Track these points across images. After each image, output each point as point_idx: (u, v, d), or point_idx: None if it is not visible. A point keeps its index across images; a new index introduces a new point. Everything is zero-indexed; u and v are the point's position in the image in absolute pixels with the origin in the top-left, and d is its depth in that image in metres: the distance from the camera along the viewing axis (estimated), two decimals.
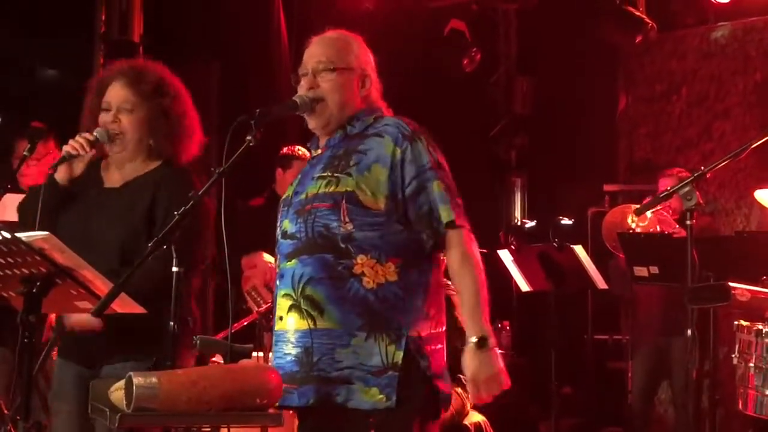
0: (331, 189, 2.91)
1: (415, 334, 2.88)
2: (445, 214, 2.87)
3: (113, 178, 3.47)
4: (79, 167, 3.41)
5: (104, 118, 3.41)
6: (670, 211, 5.81)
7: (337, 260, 2.87)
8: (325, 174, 2.96)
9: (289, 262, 2.95)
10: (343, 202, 2.88)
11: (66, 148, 3.35)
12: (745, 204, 7.25)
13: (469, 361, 2.80)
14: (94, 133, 3.34)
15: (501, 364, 2.83)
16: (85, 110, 3.56)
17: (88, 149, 3.34)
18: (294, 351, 2.89)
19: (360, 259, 2.87)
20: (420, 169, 2.89)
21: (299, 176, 3.11)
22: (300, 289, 2.89)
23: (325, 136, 3.08)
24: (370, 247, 2.88)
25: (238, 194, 5.52)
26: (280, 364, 2.93)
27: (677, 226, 5.85)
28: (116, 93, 3.42)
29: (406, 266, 2.89)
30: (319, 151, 3.08)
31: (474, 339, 2.80)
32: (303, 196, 2.98)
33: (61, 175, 3.38)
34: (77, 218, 3.35)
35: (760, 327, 3.02)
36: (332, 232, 2.88)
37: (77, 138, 3.34)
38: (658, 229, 5.69)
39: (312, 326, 2.87)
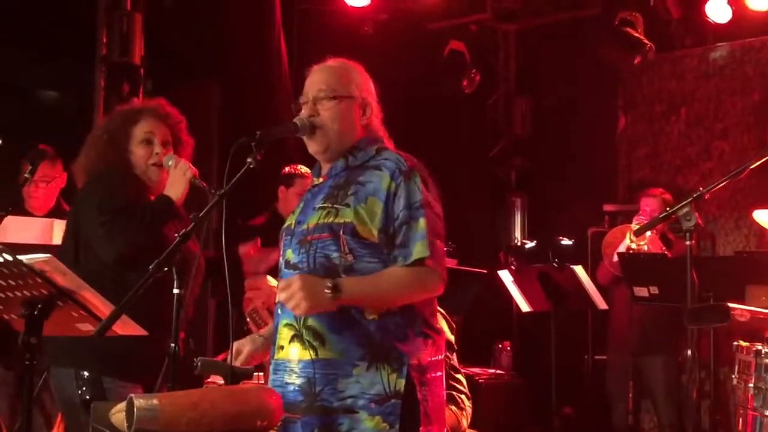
0: (330, 220, 2.93)
1: (416, 362, 2.89)
2: (419, 250, 2.86)
3: None
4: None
5: (147, 150, 3.64)
6: (655, 232, 5.84)
7: None
8: (326, 204, 2.97)
9: None
10: (342, 233, 2.90)
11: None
12: (744, 224, 7.26)
13: (310, 278, 2.79)
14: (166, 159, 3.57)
15: (314, 305, 2.76)
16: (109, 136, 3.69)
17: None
18: (298, 381, 2.90)
19: None
20: (410, 205, 2.90)
21: (301, 204, 3.11)
22: (302, 320, 2.90)
23: (326, 163, 3.09)
24: None
25: (239, 213, 5.53)
26: (282, 392, 2.92)
27: (663, 247, 5.88)
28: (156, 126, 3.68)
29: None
30: (320, 180, 3.09)
31: (336, 282, 2.77)
32: (305, 227, 2.99)
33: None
34: None
35: (759, 347, 3.02)
36: (333, 262, 2.89)
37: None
38: (648, 248, 5.71)
39: (314, 356, 2.88)
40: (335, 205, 2.94)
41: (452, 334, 4.88)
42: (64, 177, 5.08)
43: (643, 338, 6.23)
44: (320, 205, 2.98)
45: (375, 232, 2.89)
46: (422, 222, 2.89)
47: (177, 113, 3.74)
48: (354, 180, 2.97)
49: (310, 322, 2.88)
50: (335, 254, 2.89)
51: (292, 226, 3.06)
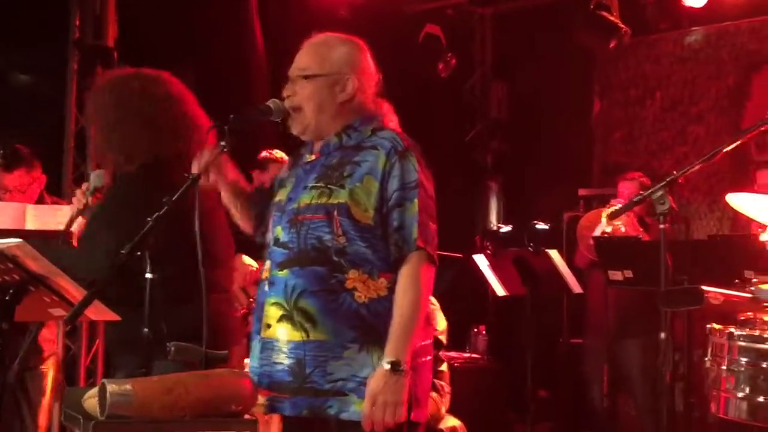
0: (324, 200, 2.90)
1: None
2: (413, 235, 2.86)
3: None
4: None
5: None
6: (633, 215, 5.87)
7: (330, 273, 2.86)
8: (319, 184, 2.94)
9: (281, 272, 2.94)
10: (336, 214, 2.88)
11: (75, 205, 3.41)
12: (717, 208, 7.31)
13: (376, 378, 2.77)
14: (95, 179, 3.40)
15: (405, 396, 2.77)
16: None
17: (91, 198, 3.37)
18: (287, 361, 2.89)
19: (352, 273, 2.86)
20: (404, 184, 2.88)
21: (293, 179, 3.08)
22: (293, 301, 2.89)
23: (317, 142, 3.07)
24: (362, 262, 2.88)
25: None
26: (268, 372, 2.92)
27: (641, 229, 5.91)
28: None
29: (396, 282, 2.90)
30: (312, 157, 3.06)
31: (390, 359, 2.76)
32: (296, 205, 2.96)
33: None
34: None
35: (732, 330, 3.04)
36: (325, 244, 2.87)
37: (78, 192, 3.42)
38: (623, 231, 5.74)
39: (305, 338, 2.87)
40: (329, 186, 2.91)
41: (444, 332, 4.92)
42: (42, 179, 5.01)
43: (618, 322, 6.26)
44: (313, 185, 2.95)
45: (371, 212, 2.87)
46: (416, 204, 2.87)
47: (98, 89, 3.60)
48: (349, 160, 2.93)
49: (302, 303, 2.87)
50: (327, 236, 2.87)
51: (283, 202, 3.03)
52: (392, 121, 3.09)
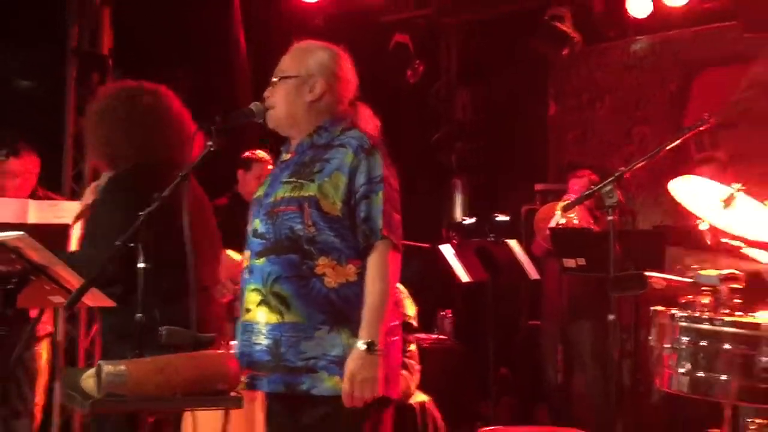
0: (296, 194, 2.92)
1: None
2: (379, 225, 2.87)
3: None
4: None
5: None
6: (584, 208, 5.91)
7: (302, 260, 2.88)
8: (291, 179, 2.96)
9: (258, 260, 2.95)
10: (306, 206, 2.89)
11: (83, 202, 3.43)
12: (662, 201, 7.34)
13: (353, 359, 2.78)
14: (102, 179, 3.41)
15: (381, 373, 2.79)
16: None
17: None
18: (265, 342, 2.89)
19: (321, 260, 2.87)
20: (370, 179, 2.90)
21: (269, 178, 3.11)
22: (269, 286, 2.90)
23: (293, 139, 3.08)
24: (331, 250, 2.88)
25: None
26: (249, 352, 2.93)
27: (592, 221, 5.95)
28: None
29: (365, 268, 2.90)
30: (287, 156, 3.08)
31: (365, 341, 2.78)
32: (272, 199, 2.98)
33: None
34: None
35: (674, 312, 3.06)
36: (297, 234, 2.88)
37: (88, 191, 3.46)
38: (576, 223, 5.78)
39: (280, 320, 2.88)
40: (300, 180, 2.93)
41: (414, 315, 4.92)
42: (35, 168, 4.99)
43: (572, 306, 6.30)
44: (286, 180, 2.97)
45: (339, 205, 2.88)
46: (381, 196, 2.89)
47: (102, 99, 3.55)
48: (320, 158, 2.95)
49: (277, 288, 2.88)
50: (299, 226, 2.88)
51: (261, 198, 3.05)
52: (370, 124, 3.10)
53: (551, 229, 5.77)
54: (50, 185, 5.22)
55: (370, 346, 2.77)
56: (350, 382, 2.77)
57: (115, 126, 3.42)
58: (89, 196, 3.42)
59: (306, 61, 3.05)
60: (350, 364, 2.78)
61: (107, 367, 2.53)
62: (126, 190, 3.29)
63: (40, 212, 4.37)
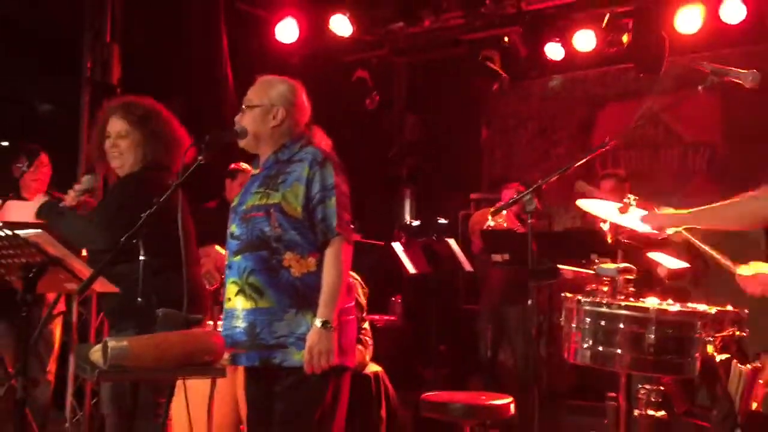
0: (264, 201, 2.93)
1: None
2: (333, 224, 2.89)
3: None
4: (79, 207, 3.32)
5: (106, 145, 3.35)
6: (513, 214, 5.94)
7: (271, 256, 2.87)
8: (260, 190, 2.97)
9: (235, 257, 2.95)
10: (272, 211, 2.89)
11: (67, 203, 3.28)
12: (572, 208, 7.40)
13: (313, 334, 2.79)
14: (85, 182, 3.29)
15: (335, 345, 2.80)
16: (92, 140, 3.49)
17: (81, 198, 3.28)
18: (243, 324, 2.89)
19: (287, 255, 2.87)
20: (324, 187, 2.92)
21: (243, 190, 3.10)
22: (245, 278, 2.89)
23: (261, 156, 3.08)
24: (295, 246, 2.89)
25: (195, 199, 5.46)
26: (230, 334, 2.92)
27: (518, 224, 5.98)
28: (113, 123, 3.35)
29: (324, 259, 2.89)
30: (257, 171, 3.08)
31: (321, 320, 2.79)
32: (245, 207, 2.99)
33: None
34: None
35: (580, 297, 3.08)
36: (266, 234, 2.89)
37: (71, 192, 3.29)
38: (505, 225, 5.81)
39: (255, 306, 2.87)
40: (267, 190, 2.94)
41: (365, 298, 4.90)
42: (48, 168, 4.96)
43: (501, 293, 6.31)
44: (256, 191, 2.98)
45: (299, 209, 2.89)
46: (333, 200, 2.90)
47: (143, 107, 3.41)
48: (283, 171, 2.96)
49: (251, 279, 2.88)
50: (267, 228, 2.88)
51: (236, 206, 3.04)
52: (324, 141, 3.11)
53: (482, 231, 5.79)
54: (65, 191, 5.15)
55: (325, 324, 2.79)
56: (309, 353, 2.78)
57: (153, 137, 3.36)
58: (73, 197, 3.30)
59: (269, 92, 3.05)
60: (309, 339, 2.79)
61: (112, 343, 2.50)
62: (137, 188, 3.22)
63: None
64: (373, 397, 4.69)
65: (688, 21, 6.17)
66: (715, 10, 6.08)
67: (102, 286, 2.75)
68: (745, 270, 2.87)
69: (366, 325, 4.90)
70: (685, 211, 2.73)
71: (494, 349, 6.46)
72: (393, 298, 7.41)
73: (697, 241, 3.02)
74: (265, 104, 3.02)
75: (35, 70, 6.64)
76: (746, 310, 2.98)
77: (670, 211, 2.84)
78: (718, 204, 2.58)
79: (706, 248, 3.01)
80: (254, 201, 2.95)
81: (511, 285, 6.13)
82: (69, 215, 3.22)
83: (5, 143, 5.46)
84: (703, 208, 2.66)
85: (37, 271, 2.65)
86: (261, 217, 2.90)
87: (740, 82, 2.78)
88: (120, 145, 3.33)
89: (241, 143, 3.05)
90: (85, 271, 2.69)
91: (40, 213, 3.23)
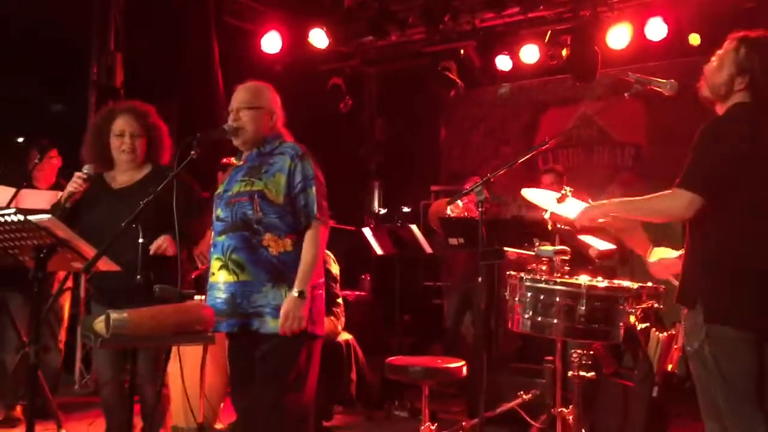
0: (248, 188, 2.91)
1: None
2: (314, 210, 2.89)
3: (119, 181, 3.34)
4: (79, 191, 3.25)
5: (117, 142, 3.29)
6: (472, 204, 5.92)
7: (252, 236, 2.86)
8: (245, 178, 2.95)
9: (219, 237, 2.93)
10: (255, 197, 2.87)
11: (69, 189, 3.21)
12: (518, 198, 7.44)
13: (287, 302, 2.79)
14: (85, 171, 3.23)
15: (306, 313, 2.80)
16: (93, 130, 3.41)
17: (84, 184, 3.20)
18: (224, 296, 2.87)
19: (267, 235, 2.86)
20: (305, 177, 2.91)
21: (228, 178, 3.08)
22: (228, 255, 2.87)
23: (245, 151, 3.05)
24: (274, 228, 2.88)
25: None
26: (213, 304, 2.90)
27: (477, 212, 5.97)
28: (128, 124, 3.30)
29: (298, 241, 2.90)
30: (241, 162, 3.06)
31: (297, 290, 2.80)
32: (230, 193, 2.96)
33: (64, 200, 3.25)
34: (100, 212, 3.20)
35: (522, 275, 3.10)
36: (248, 217, 2.87)
37: (75, 179, 3.22)
38: (466, 215, 5.81)
39: (236, 279, 2.85)
40: (251, 179, 2.92)
41: (337, 267, 4.89)
42: (57, 161, 4.87)
43: (464, 272, 6.28)
44: (241, 179, 2.96)
45: (280, 197, 2.88)
46: (314, 189, 2.90)
47: (148, 112, 3.40)
48: (266, 162, 2.95)
49: (234, 256, 2.86)
50: (250, 211, 2.87)
51: (221, 193, 3.01)
52: (290, 137, 3.10)
53: (440, 218, 5.79)
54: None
55: (301, 294, 2.80)
56: (285, 317, 2.79)
57: (154, 135, 3.36)
58: (77, 181, 3.24)
59: (262, 95, 3.04)
60: (285, 306, 2.80)
61: (113, 315, 2.48)
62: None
63: None
64: (344, 361, 4.70)
65: (617, 38, 6.24)
66: (641, 28, 6.16)
67: (105, 264, 2.72)
68: (652, 258, 2.91)
69: (339, 300, 4.89)
70: (610, 202, 2.76)
71: (456, 320, 6.46)
72: (363, 276, 7.41)
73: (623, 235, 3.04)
74: (265, 106, 3.00)
75: (48, 75, 6.54)
76: (663, 287, 3.02)
77: (598, 202, 2.86)
78: (638, 198, 2.62)
79: (628, 240, 3.04)
80: (239, 188, 2.93)
81: (473, 265, 6.13)
82: None
83: (21, 139, 5.36)
84: (625, 199, 2.69)
85: (47, 252, 2.62)
86: (245, 202, 2.89)
87: (661, 90, 2.81)
88: (134, 143, 3.31)
89: (237, 142, 3.01)
90: (89, 251, 2.66)
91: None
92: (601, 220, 2.77)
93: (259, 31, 7.17)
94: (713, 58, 2.62)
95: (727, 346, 2.41)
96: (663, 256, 2.82)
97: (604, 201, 2.78)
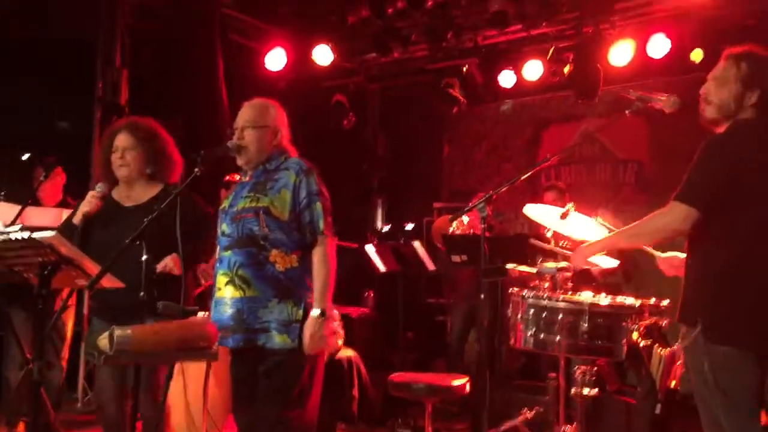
0: (253, 204, 2.92)
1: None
2: (320, 226, 2.89)
3: (132, 198, 3.34)
4: (93, 210, 3.27)
5: (113, 157, 3.30)
6: (477, 221, 5.91)
7: (259, 252, 2.87)
8: (250, 194, 2.96)
9: (225, 252, 2.94)
10: (261, 213, 2.88)
11: (84, 209, 3.23)
12: (520, 215, 7.45)
13: (311, 323, 2.80)
14: (98, 189, 3.25)
15: (329, 331, 2.83)
16: (100, 149, 3.45)
17: (98, 203, 3.23)
18: (230, 311, 2.88)
19: (274, 251, 2.87)
20: (310, 193, 2.92)
21: (233, 194, 3.09)
22: (234, 271, 2.87)
23: (250, 169, 3.06)
24: (280, 244, 2.88)
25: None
26: (219, 319, 2.90)
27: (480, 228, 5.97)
28: (121, 139, 3.31)
29: (304, 256, 2.90)
30: (246, 179, 3.07)
31: (318, 311, 2.81)
32: (235, 209, 2.97)
33: (78, 220, 3.25)
34: (111, 230, 3.21)
35: (525, 293, 3.11)
36: (255, 233, 2.88)
37: (89, 198, 3.24)
38: (472, 231, 5.81)
39: (243, 295, 2.86)
40: (257, 195, 2.93)
41: None
42: (62, 178, 4.90)
43: (469, 288, 6.27)
44: (246, 195, 2.97)
45: (286, 213, 2.89)
46: (319, 204, 2.91)
47: (145, 125, 3.38)
48: (271, 179, 2.95)
49: (240, 272, 2.87)
50: (256, 227, 2.88)
51: (226, 208, 3.02)
52: (295, 154, 3.11)
53: (443, 235, 5.80)
54: (77, 198, 5.09)
55: (323, 313, 2.81)
56: (311, 338, 2.79)
57: (152, 149, 3.33)
58: (90, 200, 3.25)
59: (267, 113, 3.06)
60: (309, 327, 2.80)
61: (117, 331, 2.48)
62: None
63: None
64: (346, 378, 4.69)
65: (620, 55, 6.27)
66: (643, 45, 6.19)
67: (109, 281, 2.73)
68: (662, 255, 2.92)
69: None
70: (604, 237, 2.78)
71: (460, 337, 6.45)
72: (366, 293, 7.41)
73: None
74: (270, 125, 3.02)
75: (54, 91, 6.58)
76: (666, 302, 3.02)
77: (588, 242, 2.87)
78: (632, 225, 2.63)
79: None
80: (245, 204, 2.94)
81: (476, 282, 6.12)
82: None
83: (26, 156, 5.39)
84: (620, 230, 2.70)
85: (52, 269, 2.62)
86: (250, 218, 2.90)
87: (662, 107, 2.83)
88: (126, 156, 3.30)
89: (241, 161, 3.02)
90: (93, 269, 2.66)
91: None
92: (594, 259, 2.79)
93: (263, 49, 7.22)
94: (709, 79, 2.63)
95: (726, 362, 2.41)
96: (674, 254, 2.83)
97: (597, 239, 2.80)
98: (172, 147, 3.43)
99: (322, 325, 2.80)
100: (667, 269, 2.85)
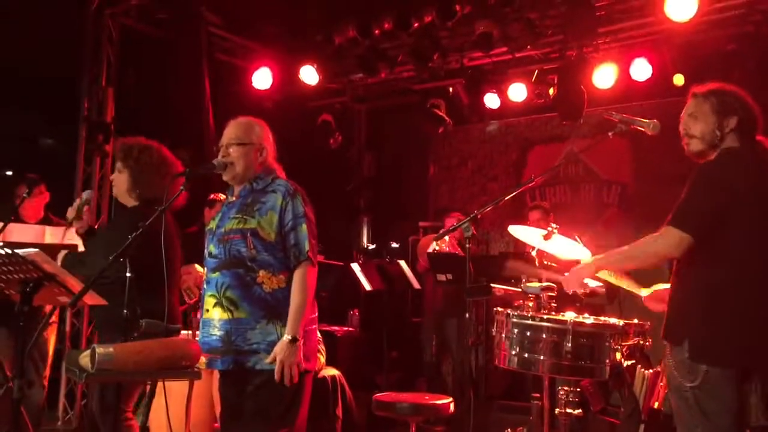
0: (241, 226, 2.90)
1: None
2: (305, 248, 2.89)
3: None
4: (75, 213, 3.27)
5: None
6: (456, 241, 5.95)
7: (246, 273, 2.85)
8: (238, 215, 2.94)
9: (213, 274, 2.92)
10: (249, 235, 2.87)
11: (69, 215, 3.27)
12: (505, 235, 7.49)
13: (281, 348, 2.78)
14: (83, 195, 3.26)
15: (300, 356, 2.80)
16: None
17: (83, 209, 3.24)
18: (219, 333, 2.86)
19: (261, 273, 2.86)
20: (295, 215, 2.91)
21: (220, 214, 3.07)
22: (222, 293, 2.86)
23: (237, 187, 3.05)
24: (267, 265, 2.87)
25: (179, 225, 5.38)
26: (207, 341, 2.88)
27: (458, 248, 6.01)
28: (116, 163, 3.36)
29: (291, 278, 2.89)
30: (233, 198, 3.06)
31: (289, 336, 2.79)
32: (223, 230, 2.95)
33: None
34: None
35: (509, 312, 3.10)
36: (242, 255, 2.87)
37: (72, 208, 3.27)
38: (447, 249, 5.82)
39: (231, 317, 2.84)
40: (244, 216, 2.92)
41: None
42: (45, 196, 4.87)
43: (444, 307, 6.32)
44: (234, 216, 2.95)
45: (273, 235, 2.88)
46: (304, 227, 2.90)
47: (127, 146, 3.37)
48: (258, 200, 2.94)
49: (228, 293, 2.85)
50: (243, 249, 2.86)
51: (214, 229, 3.00)
52: (282, 173, 3.10)
53: (428, 254, 5.81)
54: (62, 215, 5.06)
55: (293, 339, 2.78)
56: (280, 364, 2.77)
57: (150, 172, 3.30)
58: (74, 208, 3.27)
59: (253, 131, 3.05)
60: (279, 353, 2.77)
61: (99, 349, 2.46)
62: (131, 222, 3.16)
63: (53, 235, 4.25)
64: (330, 397, 4.65)
65: (603, 78, 6.35)
66: (626, 68, 6.27)
67: (92, 299, 2.70)
68: (645, 292, 2.93)
69: (318, 333, 4.86)
70: (596, 258, 2.79)
71: (438, 356, 6.46)
72: (351, 312, 7.38)
73: (609, 279, 3.09)
74: (254, 142, 3.01)
75: (38, 109, 6.55)
76: (649, 323, 3.04)
77: (584, 262, 2.88)
78: (626, 247, 2.64)
79: (617, 282, 3.08)
80: (232, 225, 2.93)
81: (452, 300, 6.14)
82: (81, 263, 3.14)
83: (9, 173, 5.35)
84: (613, 252, 2.71)
85: (34, 286, 2.61)
86: (238, 240, 2.88)
87: (644, 129, 2.87)
88: (114, 179, 3.34)
89: (227, 177, 3.01)
90: (76, 286, 2.64)
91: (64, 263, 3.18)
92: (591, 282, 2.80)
93: (250, 68, 7.24)
94: (684, 117, 2.68)
95: (708, 383, 2.42)
96: (656, 287, 2.84)
97: (591, 259, 2.81)
98: (167, 158, 3.39)
99: (293, 352, 2.78)
100: (653, 306, 2.86)
